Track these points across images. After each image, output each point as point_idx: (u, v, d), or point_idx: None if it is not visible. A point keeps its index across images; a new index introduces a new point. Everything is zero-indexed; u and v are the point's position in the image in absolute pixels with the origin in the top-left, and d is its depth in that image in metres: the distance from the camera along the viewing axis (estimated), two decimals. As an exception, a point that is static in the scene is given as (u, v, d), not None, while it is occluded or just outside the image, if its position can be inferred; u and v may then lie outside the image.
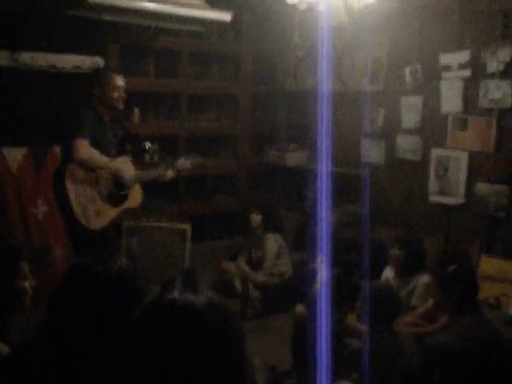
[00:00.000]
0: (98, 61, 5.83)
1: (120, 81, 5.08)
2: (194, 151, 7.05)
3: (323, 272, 5.85)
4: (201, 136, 7.15)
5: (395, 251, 5.37)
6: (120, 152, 5.22)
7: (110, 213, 5.04)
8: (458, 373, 1.38)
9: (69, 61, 5.64)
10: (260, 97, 7.61)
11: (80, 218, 4.80)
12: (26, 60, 5.45)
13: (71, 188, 4.76)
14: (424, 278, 5.11)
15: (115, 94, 5.01)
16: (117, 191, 5.05)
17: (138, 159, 5.39)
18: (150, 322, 1.57)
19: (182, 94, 6.88)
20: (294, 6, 5.06)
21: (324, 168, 6.89)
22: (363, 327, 4.12)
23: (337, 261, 5.96)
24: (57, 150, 5.64)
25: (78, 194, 4.79)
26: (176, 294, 1.59)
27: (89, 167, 4.82)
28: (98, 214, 4.90)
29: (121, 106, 5.12)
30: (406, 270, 5.28)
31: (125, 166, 5.09)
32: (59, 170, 4.89)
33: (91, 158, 4.80)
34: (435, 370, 1.40)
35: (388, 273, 5.46)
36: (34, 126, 5.61)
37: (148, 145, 5.27)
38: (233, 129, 7.40)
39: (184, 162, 5.43)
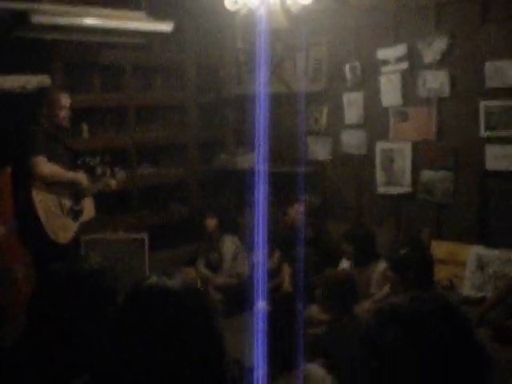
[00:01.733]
0: (44, 79, 5.86)
1: (65, 100, 5.25)
2: (145, 161, 7.15)
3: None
4: (151, 146, 7.21)
5: (345, 246, 5.56)
6: (72, 168, 5.33)
7: (73, 227, 5.20)
8: (409, 330, 1.48)
9: (15, 81, 5.65)
10: (206, 104, 7.70)
11: (50, 232, 4.91)
12: (-30, 82, 5.47)
13: (39, 205, 4.87)
14: (380, 266, 5.30)
15: (61, 113, 5.18)
16: (75, 205, 5.15)
17: (87, 174, 5.51)
18: (132, 307, 1.69)
19: (129, 107, 6.93)
20: (235, 12, 5.19)
21: (264, 168, 7.06)
22: (324, 316, 4.25)
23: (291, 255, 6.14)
24: (8, 170, 5.65)
25: (45, 210, 4.90)
26: (153, 279, 1.71)
27: (53, 181, 4.95)
28: (63, 229, 5.02)
29: (67, 125, 5.28)
30: (361, 262, 5.46)
31: (81, 177, 5.23)
32: (21, 189, 4.97)
33: (53, 171, 4.97)
34: (386, 330, 1.50)
35: (344, 264, 5.63)
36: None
37: (87, 159, 5.42)
38: (182, 137, 7.47)
39: (120, 174, 5.73)
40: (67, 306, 2.12)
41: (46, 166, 4.89)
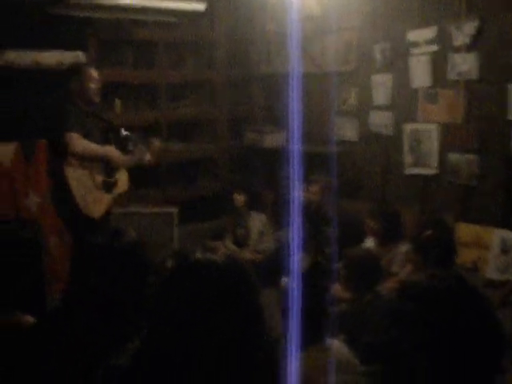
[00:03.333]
0: (80, 55, 5.99)
1: (95, 73, 5.28)
2: (175, 137, 7.27)
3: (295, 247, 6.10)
4: (181, 123, 7.32)
5: (371, 224, 5.62)
6: (103, 143, 5.42)
7: (107, 199, 5.28)
8: (426, 304, 1.57)
9: (52, 57, 5.79)
10: (236, 81, 7.79)
11: (82, 207, 5.00)
12: (11, 58, 5.60)
13: (72, 180, 4.95)
14: (403, 247, 5.38)
15: (92, 87, 5.22)
16: (108, 178, 5.26)
17: (119, 148, 5.58)
18: (177, 281, 1.80)
19: (160, 83, 7.04)
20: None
21: (292, 147, 7.13)
22: (347, 294, 4.34)
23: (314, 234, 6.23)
24: (44, 143, 5.81)
25: (77, 185, 4.97)
26: (199, 254, 1.81)
27: (86, 157, 5.02)
28: (96, 203, 5.10)
29: (97, 99, 5.32)
30: (384, 241, 5.53)
31: (114, 151, 5.32)
32: (55, 164, 5.05)
33: (86, 148, 5.01)
34: (405, 303, 1.60)
35: (368, 243, 5.70)
36: (21, 121, 5.76)
37: (123, 132, 5.46)
38: (211, 114, 7.58)
39: (155, 143, 5.69)
40: (108, 277, 2.22)
41: (78, 143, 4.95)
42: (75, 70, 5.39)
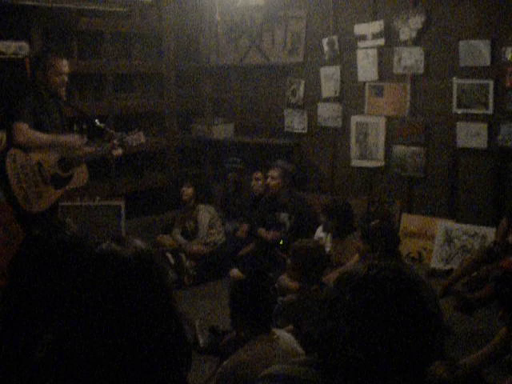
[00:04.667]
0: (23, 45, 5.89)
1: (63, 65, 5.07)
2: (123, 130, 7.19)
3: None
4: (129, 114, 7.26)
5: (324, 219, 5.67)
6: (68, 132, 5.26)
7: (54, 195, 5.10)
8: (362, 294, 1.59)
9: (-6, 46, 5.69)
10: (184, 73, 7.75)
11: (21, 201, 4.88)
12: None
13: (11, 172, 4.81)
14: (353, 238, 5.45)
15: (58, 79, 5.03)
16: (62, 172, 5.11)
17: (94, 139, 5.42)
18: (84, 273, 1.80)
19: (107, 74, 6.96)
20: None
21: (240, 139, 7.17)
22: (294, 284, 4.38)
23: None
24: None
25: (18, 178, 4.83)
26: (104, 246, 1.82)
27: (31, 147, 4.88)
28: (39, 197, 4.97)
29: (63, 92, 5.15)
30: (339, 234, 5.59)
31: (71, 139, 5.12)
32: (2, 155, 4.93)
33: (30, 138, 4.84)
34: (343, 293, 1.61)
35: (319, 233, 5.76)
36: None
37: (97, 123, 5.26)
38: (160, 106, 7.53)
39: (136, 137, 5.40)
40: (46, 271, 2.19)
41: (23, 133, 4.80)
42: (37, 60, 5.16)
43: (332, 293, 1.63)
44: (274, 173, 6.28)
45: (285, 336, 3.16)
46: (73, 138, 5.12)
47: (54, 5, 6.06)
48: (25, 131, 4.79)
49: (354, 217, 5.82)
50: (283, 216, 6.20)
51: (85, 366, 1.71)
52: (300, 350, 3.11)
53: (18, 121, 4.79)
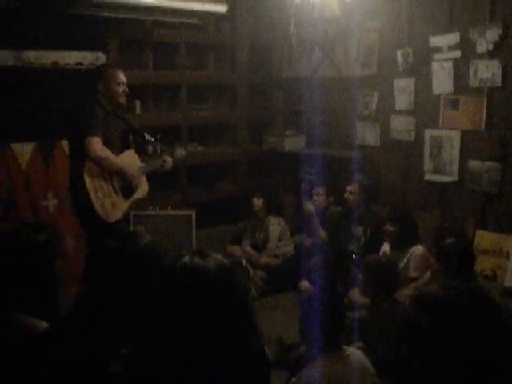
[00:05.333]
0: (100, 56, 5.99)
1: (122, 76, 5.19)
2: (195, 140, 7.26)
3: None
4: (201, 125, 7.31)
5: (388, 227, 5.61)
6: (124, 144, 5.39)
7: (124, 205, 5.20)
8: (442, 318, 1.53)
9: (71, 57, 5.79)
10: (256, 85, 7.78)
11: (100, 212, 4.95)
12: (30, 58, 5.61)
13: (90, 184, 4.88)
14: (418, 249, 5.37)
15: (120, 90, 5.14)
16: (127, 184, 5.20)
17: (140, 150, 5.55)
18: (166, 285, 1.79)
19: (181, 85, 7.03)
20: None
21: (312, 151, 7.14)
22: (365, 300, 4.32)
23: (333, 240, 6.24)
24: (63, 143, 5.81)
25: (95, 189, 4.91)
26: (187, 258, 1.80)
27: (103, 164, 4.95)
28: (113, 207, 5.06)
29: (123, 102, 5.24)
30: (401, 244, 5.52)
31: (128, 160, 5.23)
32: (75, 167, 4.99)
33: (106, 155, 4.93)
34: (420, 316, 1.56)
35: (385, 247, 5.69)
36: (41, 121, 5.76)
37: (147, 136, 5.41)
38: (231, 117, 7.57)
39: (180, 151, 5.63)
40: (119, 281, 2.21)
41: (100, 149, 4.87)
42: (99, 72, 5.31)
43: (408, 315, 1.59)
44: (353, 188, 6.25)
45: (356, 353, 3.11)
46: (129, 162, 5.23)
47: (130, 16, 6.16)
48: (100, 147, 4.86)
49: (421, 230, 5.75)
50: (358, 230, 6.14)
51: (161, 381, 1.70)
52: (371, 368, 3.06)
53: (93, 135, 4.83)
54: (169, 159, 5.48)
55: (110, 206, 5.03)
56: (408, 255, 5.41)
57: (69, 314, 2.26)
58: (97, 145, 4.84)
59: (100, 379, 1.96)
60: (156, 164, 5.45)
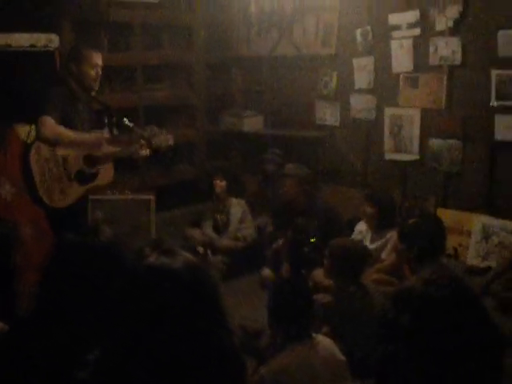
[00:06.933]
0: (53, 38, 5.82)
1: (97, 58, 4.96)
2: (152, 122, 7.13)
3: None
4: (158, 106, 7.19)
5: (367, 208, 5.57)
6: (97, 128, 5.15)
7: (77, 191, 4.99)
8: (425, 315, 1.50)
9: (24, 39, 5.62)
10: (214, 64, 7.67)
11: (44, 196, 4.78)
12: (-21, 41, 5.44)
13: (35, 167, 4.70)
14: (395, 235, 5.35)
15: (93, 72, 4.93)
16: (87, 168, 5.00)
17: (113, 134, 5.31)
18: (131, 287, 1.70)
19: (136, 66, 6.89)
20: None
21: (271, 132, 7.07)
22: (329, 282, 4.28)
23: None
24: (19, 129, 5.63)
25: (42, 172, 4.74)
26: (152, 258, 1.71)
27: (56, 144, 4.77)
28: (63, 193, 4.87)
29: (96, 86, 5.02)
30: (379, 226, 5.50)
31: (96, 140, 4.99)
32: (26, 149, 4.84)
33: (57, 134, 4.73)
34: (403, 314, 1.52)
35: (361, 227, 5.66)
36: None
37: (126, 121, 5.09)
38: (189, 98, 7.46)
39: (164, 139, 5.18)
40: (81, 279, 2.12)
41: (50, 128, 4.68)
42: (71, 52, 5.08)
43: (389, 313, 1.55)
44: (288, 182, 6.12)
45: (325, 341, 3.07)
46: (96, 138, 4.98)
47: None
48: (52, 126, 4.69)
49: (395, 210, 5.75)
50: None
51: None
52: (341, 356, 3.02)
53: (44, 114, 4.68)
54: (145, 149, 5.09)
55: (59, 191, 4.86)
56: (385, 238, 5.39)
57: (28, 315, 2.17)
58: (47, 125, 4.66)
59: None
60: (127, 150, 5.10)
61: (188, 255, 1.76)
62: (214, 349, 1.68)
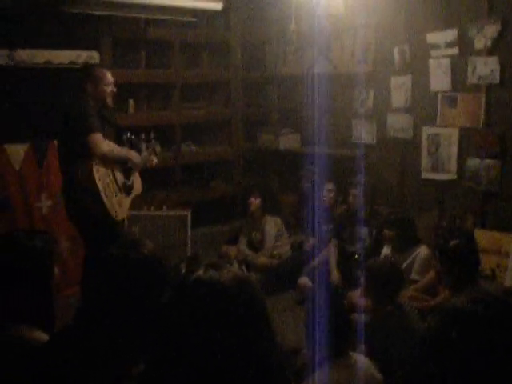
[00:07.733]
0: (94, 55, 5.91)
1: (110, 76, 5.11)
2: (189, 139, 7.19)
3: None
4: (195, 124, 7.24)
5: (386, 232, 5.57)
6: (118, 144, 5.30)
7: (127, 202, 5.16)
8: (473, 333, 1.49)
9: (65, 56, 5.71)
10: (251, 82, 7.71)
11: (111, 211, 4.88)
12: (23, 57, 5.52)
13: (99, 184, 4.81)
14: (422, 252, 5.31)
15: (108, 90, 5.06)
16: (127, 180, 5.16)
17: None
18: (179, 300, 1.70)
19: (174, 84, 6.96)
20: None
21: (307, 149, 7.07)
22: (366, 302, 4.25)
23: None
24: (54, 144, 5.71)
25: (104, 188, 4.84)
26: (201, 272, 1.71)
27: (111, 159, 4.90)
28: (120, 205, 5.00)
29: (111, 103, 5.15)
30: (401, 247, 5.47)
31: (128, 153, 5.17)
32: (72, 168, 4.85)
33: (111, 149, 4.89)
34: (451, 332, 1.51)
35: (386, 250, 5.63)
36: (34, 122, 5.67)
37: (128, 135, 5.29)
38: (226, 115, 7.50)
39: (156, 148, 5.49)
40: (123, 292, 2.13)
41: (104, 144, 4.81)
42: (87, 72, 5.21)
43: (436, 331, 1.54)
44: (355, 191, 6.19)
45: (362, 360, 3.05)
46: (134, 152, 5.19)
47: (123, 14, 6.08)
48: (105, 141, 4.81)
49: (419, 229, 5.70)
50: (364, 230, 6.06)
51: None
52: (378, 375, 3.00)
53: (94, 132, 4.75)
54: (153, 157, 5.43)
55: (117, 204, 4.96)
56: (412, 256, 5.36)
57: (70, 326, 2.17)
58: (100, 141, 4.78)
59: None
60: (144, 159, 5.34)
61: (235, 269, 1.76)
62: (262, 363, 1.67)
